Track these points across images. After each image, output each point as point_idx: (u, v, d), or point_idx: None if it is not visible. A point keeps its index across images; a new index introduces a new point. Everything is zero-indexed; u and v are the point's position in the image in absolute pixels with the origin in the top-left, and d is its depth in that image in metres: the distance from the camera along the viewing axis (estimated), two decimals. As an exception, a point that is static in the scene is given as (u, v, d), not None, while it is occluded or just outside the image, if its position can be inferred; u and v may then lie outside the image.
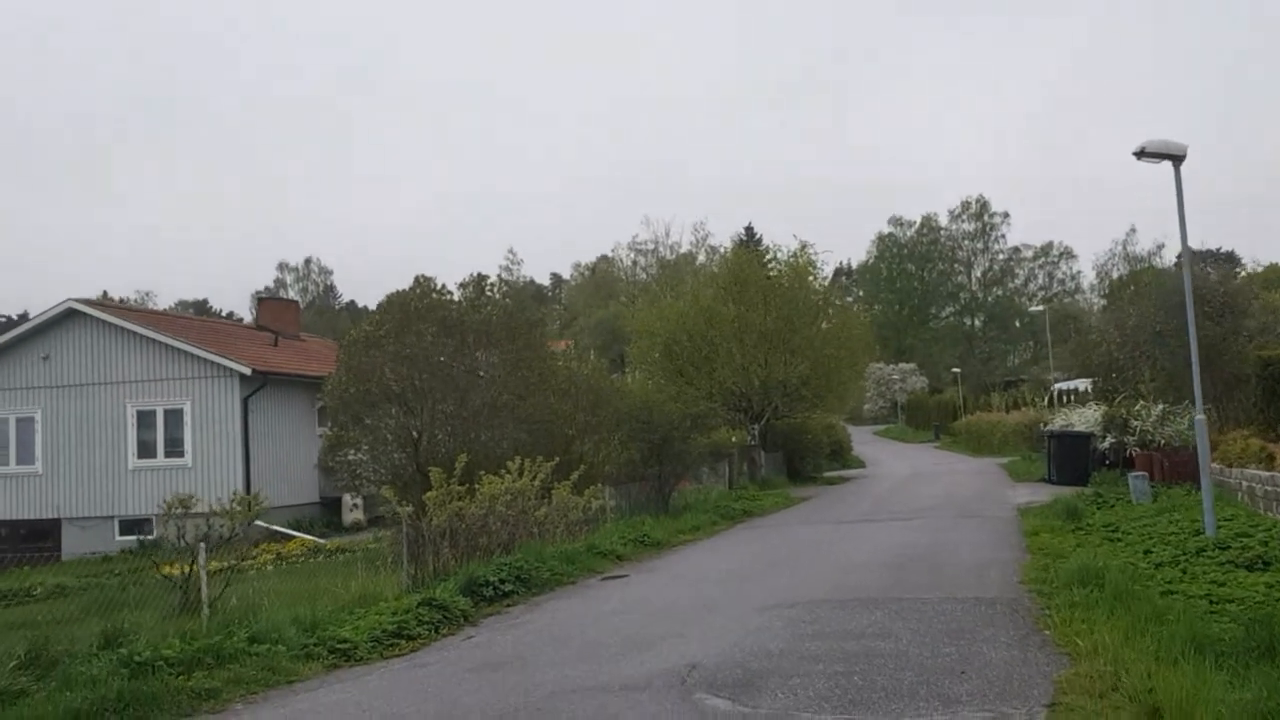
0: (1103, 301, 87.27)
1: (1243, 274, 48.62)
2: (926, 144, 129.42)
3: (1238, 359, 24.31)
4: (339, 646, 9.82)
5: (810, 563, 13.76)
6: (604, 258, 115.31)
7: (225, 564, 13.33)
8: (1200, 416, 13.12)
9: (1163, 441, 25.24)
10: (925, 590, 10.94)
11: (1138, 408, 26.10)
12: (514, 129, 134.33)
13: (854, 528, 18.29)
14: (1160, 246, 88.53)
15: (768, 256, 36.14)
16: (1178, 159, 12.88)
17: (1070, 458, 26.43)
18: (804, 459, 37.98)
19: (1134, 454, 25.07)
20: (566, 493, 16.02)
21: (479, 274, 22.48)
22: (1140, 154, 12.90)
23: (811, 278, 34.94)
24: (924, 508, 21.53)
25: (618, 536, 17.09)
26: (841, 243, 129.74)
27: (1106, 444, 25.94)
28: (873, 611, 9.80)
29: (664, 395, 29.00)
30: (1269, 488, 14.57)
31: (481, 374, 22.45)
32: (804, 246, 34.50)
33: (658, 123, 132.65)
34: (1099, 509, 18.40)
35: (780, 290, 33.49)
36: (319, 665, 9.38)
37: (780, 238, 46.19)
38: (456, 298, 22.26)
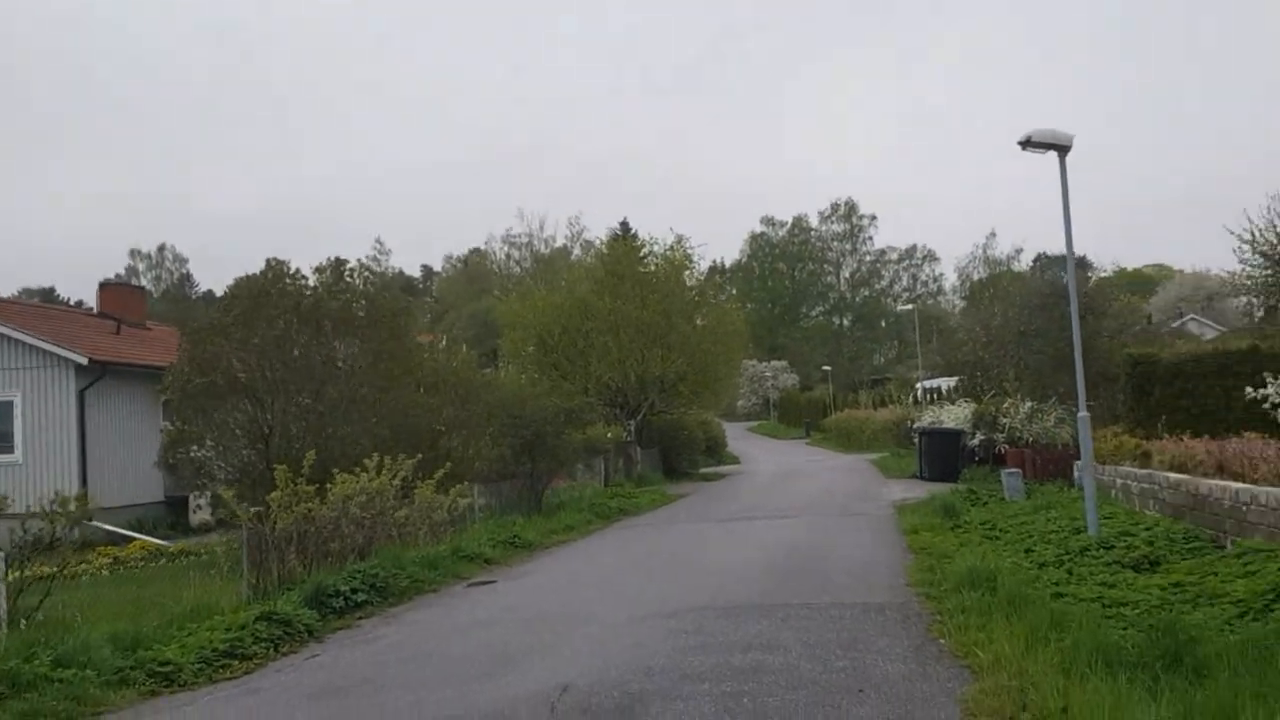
0: (963, 303, 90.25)
1: (1094, 277, 50.38)
2: (800, 146, 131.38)
3: (1104, 357, 24.78)
4: (160, 670, 8.60)
5: (690, 565, 13.04)
6: (476, 250, 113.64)
7: (49, 571, 11.81)
8: (1084, 414, 12.93)
9: (1031, 439, 25.56)
10: (812, 594, 10.32)
11: (1006, 405, 26.40)
12: (383, 115, 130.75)
13: (734, 526, 17.72)
14: (1019, 251, 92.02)
15: (644, 251, 35.54)
16: (1063, 149, 12.64)
17: (941, 454, 26.57)
18: (680, 455, 37.52)
19: (1004, 451, 25.32)
20: (430, 492, 14.93)
21: (337, 258, 21.06)
22: (1026, 144, 12.60)
23: (688, 272, 34.46)
24: (802, 505, 21.16)
25: (486, 538, 16.10)
26: (717, 242, 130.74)
27: (976, 441, 26.15)
28: (759, 620, 9.10)
29: (538, 390, 28.10)
30: (1145, 485, 14.55)
31: (341, 365, 21.11)
32: (680, 240, 34.06)
33: (533, 114, 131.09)
34: (974, 506, 18.29)
35: (657, 284, 32.89)
36: (134, 692, 8.17)
37: (657, 233, 45.71)
38: (313, 283, 20.82)
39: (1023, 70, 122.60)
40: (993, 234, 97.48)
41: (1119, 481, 16.28)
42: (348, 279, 21.70)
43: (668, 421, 36.54)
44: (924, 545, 13.53)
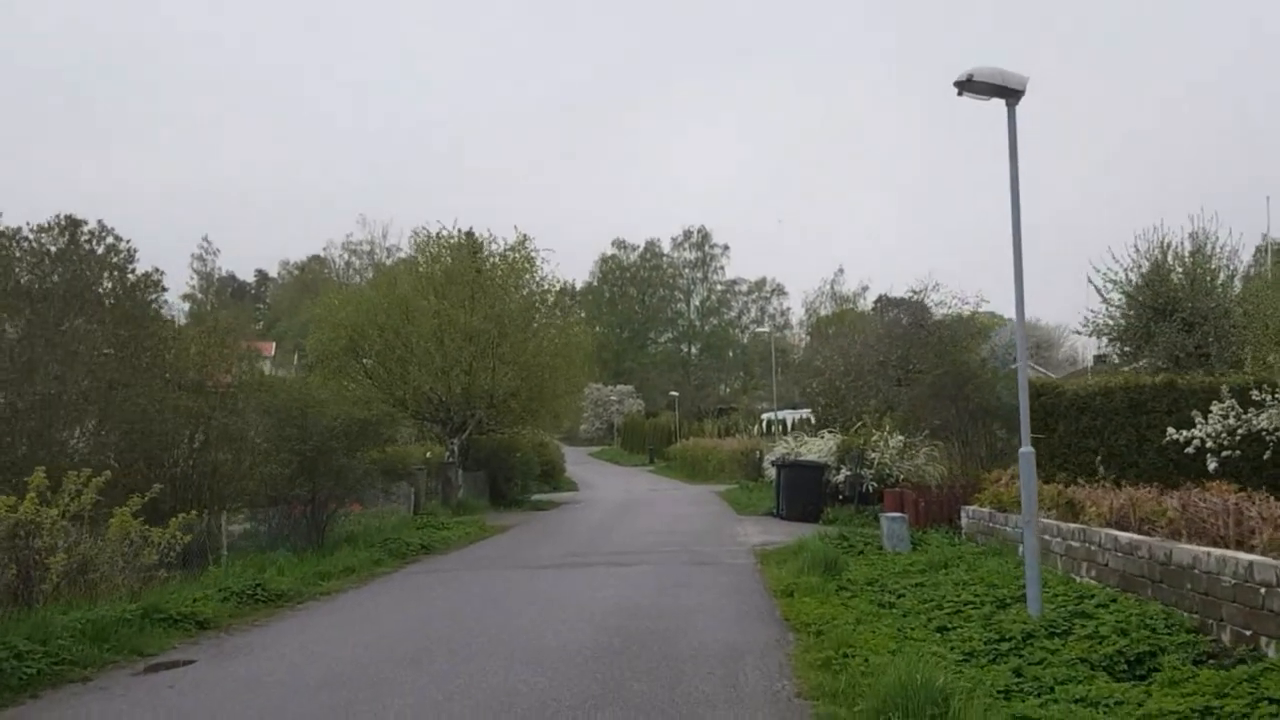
0: (808, 338, 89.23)
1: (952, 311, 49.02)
2: (659, 173, 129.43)
3: (986, 389, 22.22)
4: None
5: (481, 646, 9.11)
6: (316, 257, 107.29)
7: None
8: (1027, 449, 9.73)
9: (902, 476, 22.76)
10: (654, 713, 6.63)
11: (875, 438, 23.55)
12: (229, 109, 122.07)
13: (556, 577, 13.91)
14: (865, 288, 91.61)
15: (484, 252, 31.42)
16: (1013, 95, 9.48)
17: (801, 490, 23.48)
18: (511, 480, 33.47)
19: (875, 490, 22.40)
20: (131, 524, 10.61)
21: (69, 216, 16.38)
22: (965, 85, 9.38)
23: (529, 275, 30.57)
24: (645, 547, 17.55)
25: (217, 587, 11.84)
26: (569, 266, 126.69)
27: (842, 477, 23.18)
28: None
29: (330, 395, 23.76)
30: (1076, 544, 11.50)
31: (79, 352, 16.48)
32: (523, 240, 30.16)
33: (393, 121, 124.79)
34: (850, 556, 15.05)
35: (492, 287, 28.90)
36: None
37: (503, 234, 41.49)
38: (34, 244, 16.13)
39: (872, 111, 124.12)
40: (840, 270, 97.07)
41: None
42: (85, 245, 17.05)
43: (497, 442, 32.50)
44: (806, 618, 10.03)
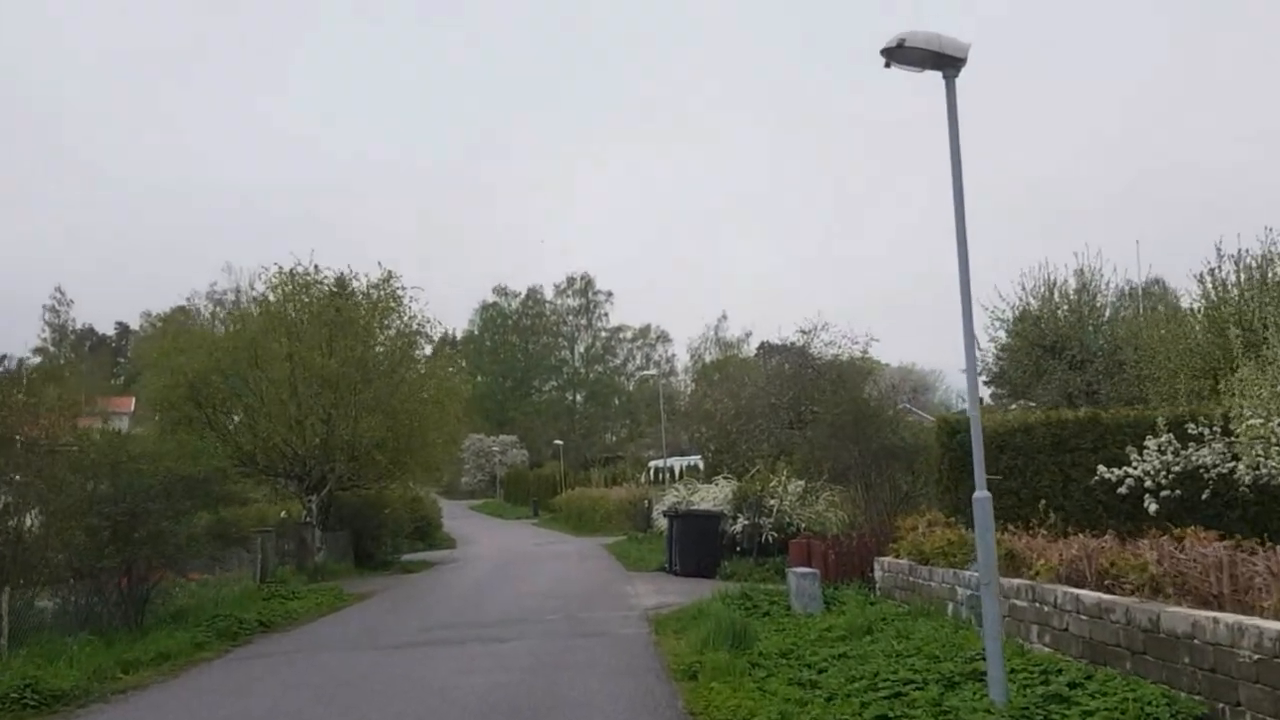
0: (693, 385, 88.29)
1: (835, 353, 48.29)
2: (538, 221, 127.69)
3: (888, 429, 20.82)
4: None
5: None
6: (180, 308, 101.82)
7: None
8: (983, 494, 8.02)
9: (804, 524, 21.11)
10: None
11: (774, 484, 21.88)
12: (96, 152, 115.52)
13: (414, 659, 11.61)
14: (748, 334, 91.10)
15: (347, 289, 28.76)
16: (951, 66, 7.88)
17: (696, 542, 21.59)
18: (378, 540, 30.67)
19: (775, 540, 20.66)
20: None
21: None
22: (893, 52, 7.74)
23: (396, 315, 28.11)
24: (524, 615, 15.35)
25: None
26: (449, 315, 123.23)
27: (739, 526, 21.38)
28: None
29: (184, 453, 20.96)
30: (1022, 603, 9.83)
31: None
32: (388, 277, 27.75)
33: (263, 175, 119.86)
34: (757, 620, 13.17)
35: (354, 327, 26.40)
36: None
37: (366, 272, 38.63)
38: None
39: (752, 157, 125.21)
40: (724, 316, 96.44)
41: (960, 592, 11.60)
42: None
43: (363, 499, 29.78)
44: (717, 715, 8.05)
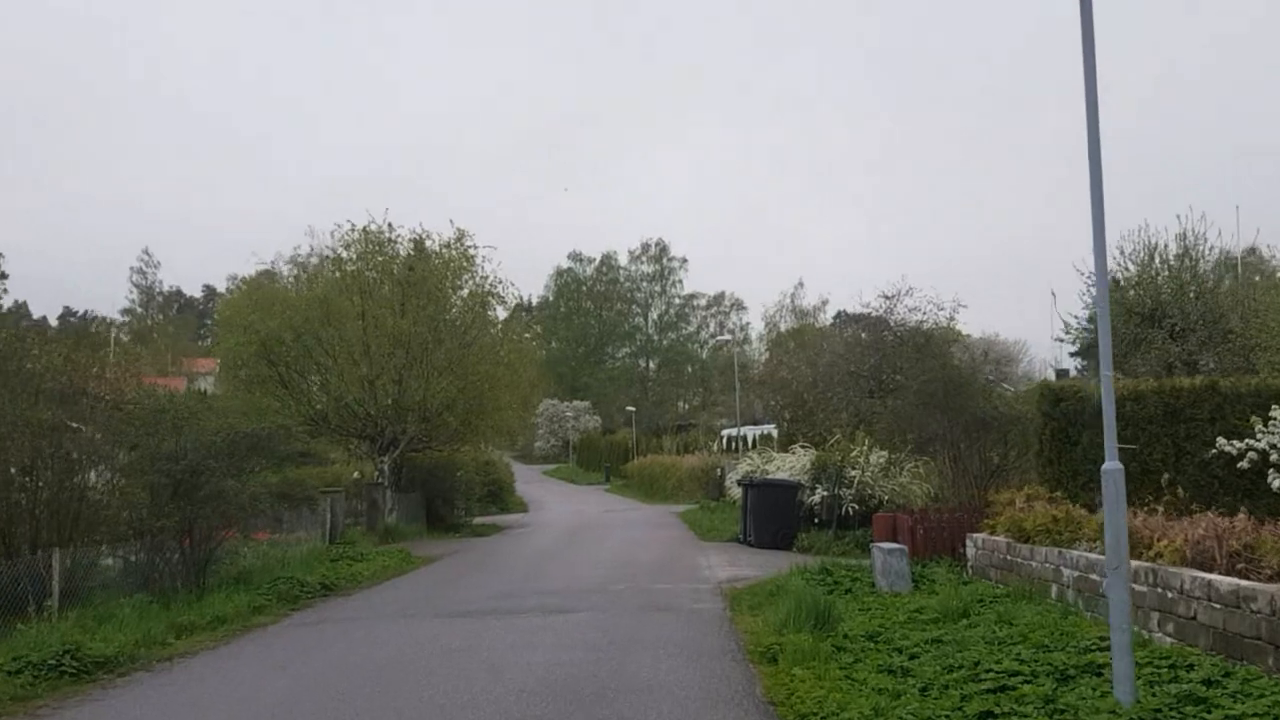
0: (766, 354, 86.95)
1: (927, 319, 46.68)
2: (616, 187, 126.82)
3: (981, 398, 19.65)
4: None
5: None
6: (265, 272, 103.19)
7: None
8: (1114, 465, 7.05)
9: (886, 497, 20.14)
10: None
11: (854, 454, 20.91)
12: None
13: (475, 630, 11.02)
14: (825, 301, 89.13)
15: (421, 250, 28.25)
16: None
17: (772, 513, 20.72)
18: (450, 502, 30.42)
19: (855, 512, 19.75)
20: None
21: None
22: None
23: (469, 276, 27.60)
24: (591, 585, 14.71)
25: (11, 655, 8.87)
26: (524, 282, 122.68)
27: (818, 498, 20.47)
28: None
29: (257, 411, 20.77)
30: (1142, 587, 8.80)
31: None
32: (461, 236, 27.21)
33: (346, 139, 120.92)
34: (839, 597, 12.31)
35: (425, 287, 25.94)
36: None
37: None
38: None
39: (839, 125, 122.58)
40: (800, 284, 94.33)
41: (1067, 574, 10.59)
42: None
43: (435, 460, 29.49)
44: (801, 703, 7.26)
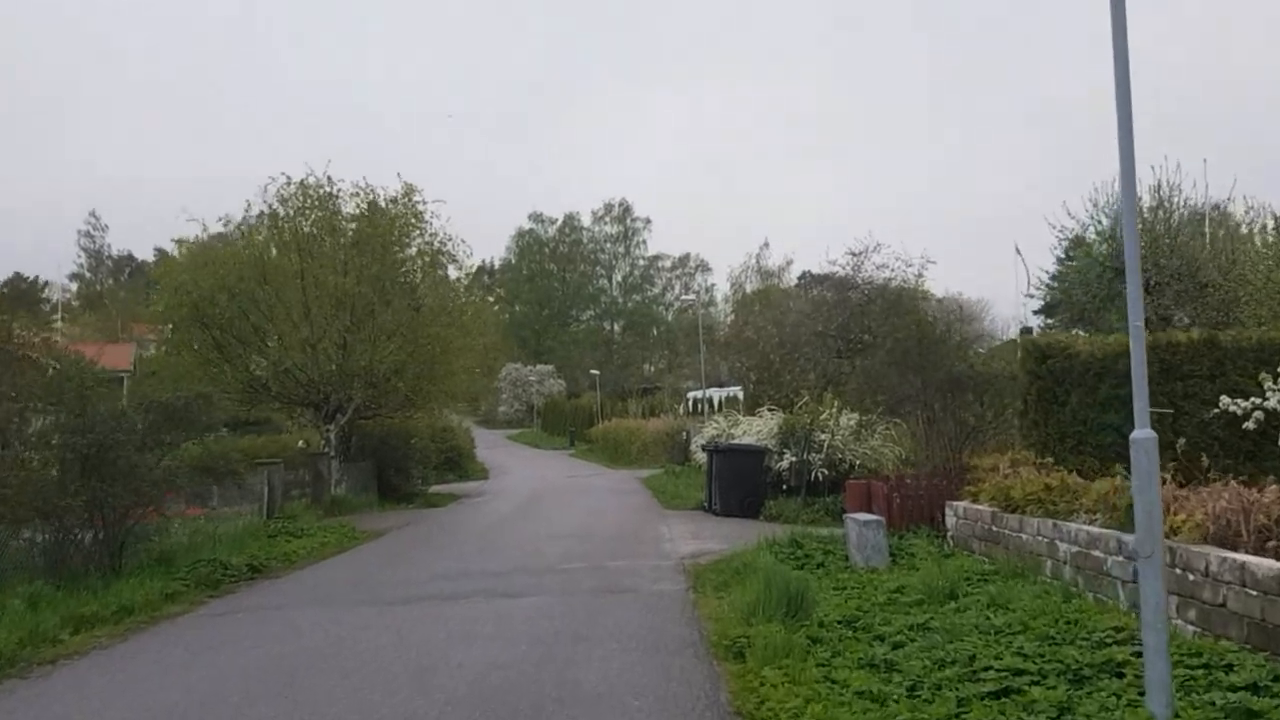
0: (732, 315, 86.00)
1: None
2: (577, 147, 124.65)
3: (955, 355, 18.66)
4: None
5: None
6: (219, 235, 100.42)
7: None
8: (1145, 432, 5.93)
9: (858, 461, 19.16)
10: None
11: (824, 416, 19.88)
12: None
13: (410, 619, 9.85)
14: (789, 262, 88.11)
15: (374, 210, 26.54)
16: None
17: (738, 480, 19.67)
18: (404, 471, 29.13)
19: (826, 478, 18.76)
20: None
21: None
22: None
23: (419, 234, 26.15)
24: (545, 563, 13.58)
25: None
26: (485, 244, 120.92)
27: (786, 463, 19.44)
28: None
29: (187, 376, 19.44)
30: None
31: None
32: (409, 191, 25.72)
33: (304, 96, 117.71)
34: (810, 573, 11.26)
35: (370, 245, 24.48)
36: None
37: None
38: None
39: (801, 84, 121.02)
40: (766, 244, 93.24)
41: (1064, 549, 9.56)
42: None
43: (387, 428, 28.19)
44: (774, 711, 6.16)
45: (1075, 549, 9.30)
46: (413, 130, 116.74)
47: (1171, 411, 11.04)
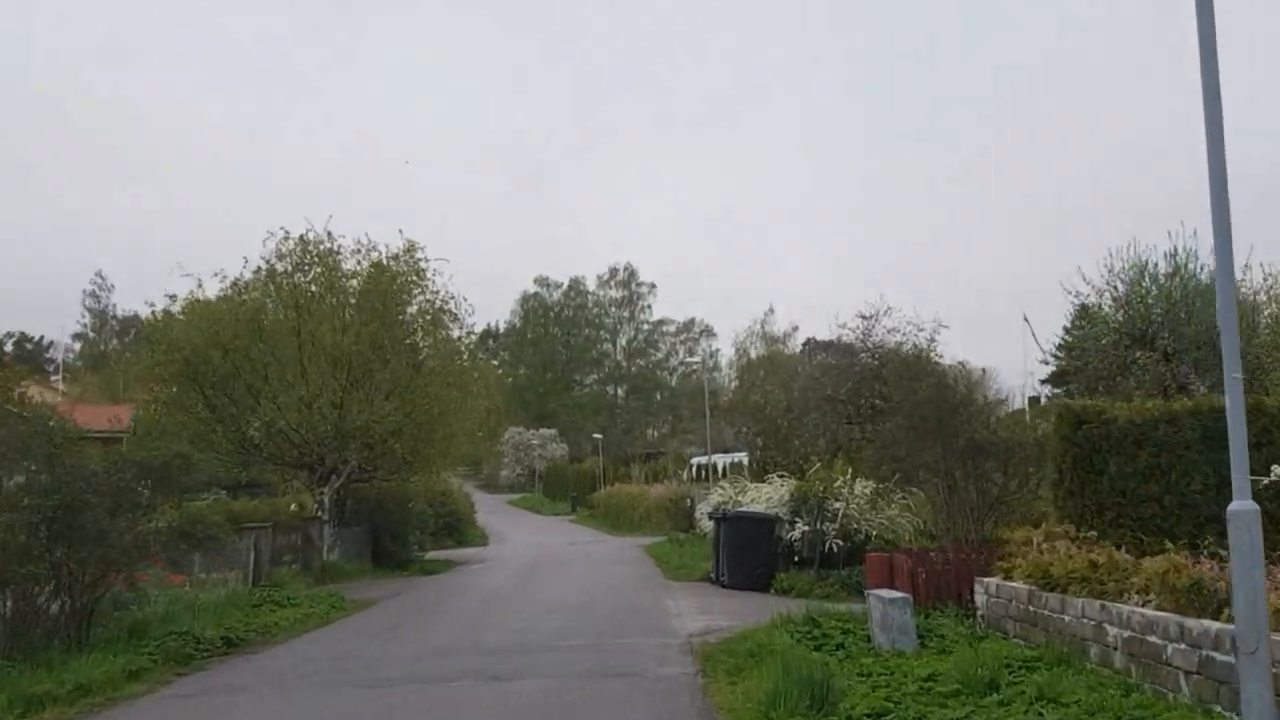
0: (736, 381, 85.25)
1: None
2: (583, 213, 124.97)
3: (978, 420, 17.81)
4: None
5: None
6: (224, 297, 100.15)
7: None
8: (1246, 504, 5.14)
9: (874, 532, 18.24)
10: None
11: (838, 484, 18.99)
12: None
13: (388, 709, 8.91)
14: (795, 329, 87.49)
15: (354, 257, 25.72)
16: None
17: (747, 550, 18.72)
18: (399, 537, 28.12)
19: (840, 549, 17.81)
20: None
21: None
22: None
23: (419, 292, 25.48)
24: (541, 639, 12.62)
25: None
26: (490, 309, 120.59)
27: (798, 533, 18.51)
28: None
29: (178, 436, 18.66)
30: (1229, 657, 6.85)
31: None
32: (411, 248, 25.12)
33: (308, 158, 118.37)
34: (830, 655, 10.34)
35: (370, 301, 23.82)
36: None
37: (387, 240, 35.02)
38: None
39: (807, 158, 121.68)
40: (771, 310, 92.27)
41: (1113, 634, 8.65)
42: None
43: (383, 491, 27.27)
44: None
45: (1128, 634, 8.38)
46: (416, 192, 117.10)
47: (1266, 480, 10.14)
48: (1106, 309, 25.73)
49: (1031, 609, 10.51)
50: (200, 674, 11.15)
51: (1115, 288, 25.98)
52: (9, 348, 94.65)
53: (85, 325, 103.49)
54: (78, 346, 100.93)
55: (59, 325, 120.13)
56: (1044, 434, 17.22)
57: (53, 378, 65.72)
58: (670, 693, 9.05)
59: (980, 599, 12.04)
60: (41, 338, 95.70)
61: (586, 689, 9.27)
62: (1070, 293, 25.60)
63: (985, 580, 11.99)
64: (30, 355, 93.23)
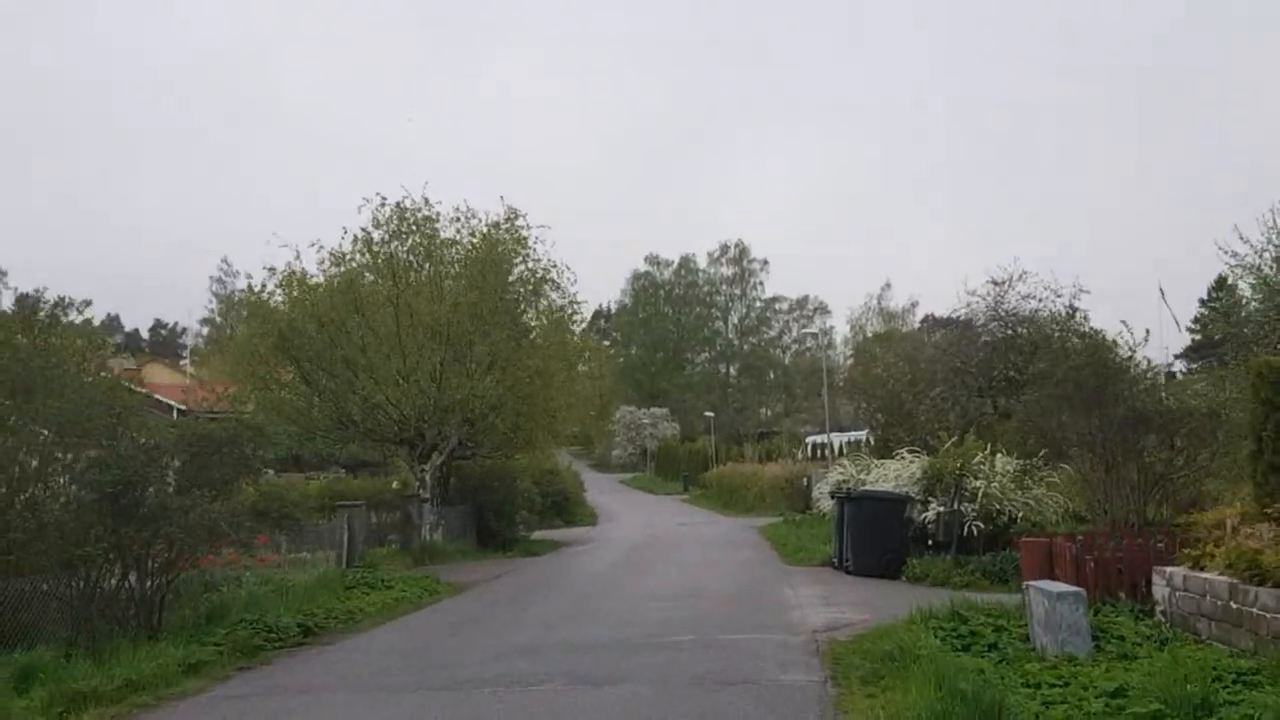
0: (851, 359, 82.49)
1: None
2: (691, 189, 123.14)
3: (1140, 389, 15.69)
4: None
5: None
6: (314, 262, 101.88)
7: None
8: None
9: (1020, 515, 16.28)
10: None
11: (976, 461, 17.05)
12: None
13: (463, 713, 7.60)
14: (914, 304, 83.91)
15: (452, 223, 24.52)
16: None
17: (876, 533, 16.99)
18: (505, 516, 27.11)
19: (980, 531, 15.92)
20: None
21: None
22: None
23: (521, 262, 24.26)
24: (643, 634, 11.20)
25: None
26: (601, 289, 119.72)
27: (932, 514, 16.67)
28: None
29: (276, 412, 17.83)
30: None
31: None
32: (512, 216, 23.90)
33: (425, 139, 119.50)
34: (978, 658, 8.64)
35: (469, 270, 22.71)
36: None
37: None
38: None
39: (922, 126, 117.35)
40: (888, 285, 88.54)
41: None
42: None
43: (487, 469, 26.30)
44: None
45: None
46: (532, 173, 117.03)
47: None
48: (1267, 270, 22.87)
49: (1234, 606, 8.59)
50: (263, 668, 10.05)
51: (1277, 244, 23.02)
52: (145, 334, 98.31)
53: (212, 310, 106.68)
54: (205, 331, 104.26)
55: (186, 310, 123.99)
56: (1222, 401, 15.07)
57: (181, 361, 67.50)
58: (794, 707, 7.47)
59: (1161, 592, 10.13)
60: (175, 324, 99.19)
61: (691, 700, 7.77)
62: (1225, 252, 22.72)
63: (1168, 570, 10.06)
64: (165, 341, 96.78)
